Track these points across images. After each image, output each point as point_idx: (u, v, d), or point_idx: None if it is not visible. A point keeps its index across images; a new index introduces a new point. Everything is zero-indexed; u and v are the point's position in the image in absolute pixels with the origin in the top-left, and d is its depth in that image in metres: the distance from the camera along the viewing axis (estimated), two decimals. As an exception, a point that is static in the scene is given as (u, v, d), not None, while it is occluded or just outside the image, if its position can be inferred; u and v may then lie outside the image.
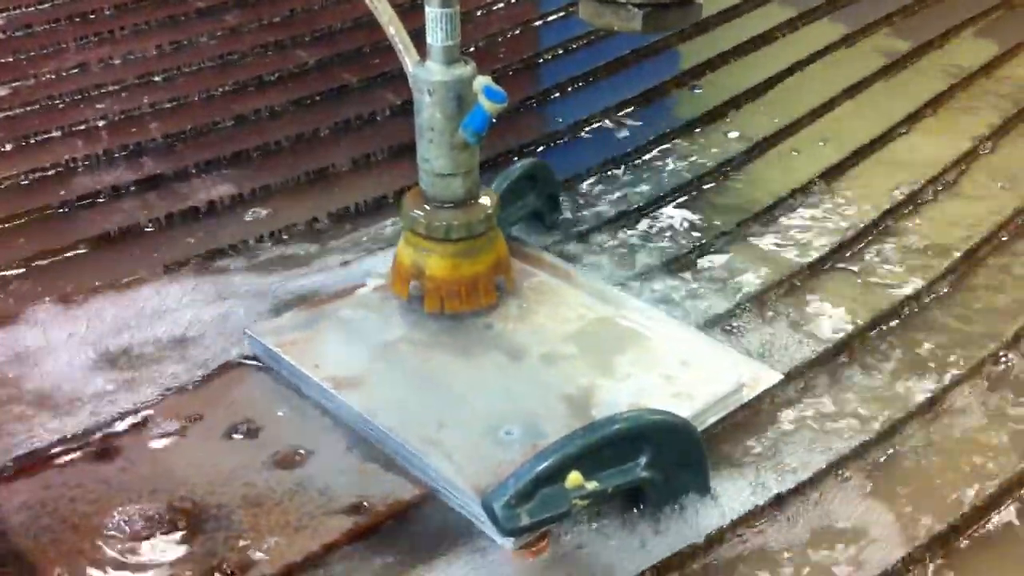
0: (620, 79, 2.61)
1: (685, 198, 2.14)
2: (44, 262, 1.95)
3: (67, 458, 1.51)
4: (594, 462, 1.34)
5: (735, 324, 1.77)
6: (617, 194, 2.14)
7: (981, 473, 1.47)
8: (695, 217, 2.07)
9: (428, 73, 1.61)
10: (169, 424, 1.56)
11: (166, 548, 1.36)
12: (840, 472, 1.47)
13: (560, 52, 2.75)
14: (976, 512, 1.41)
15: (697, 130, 2.39)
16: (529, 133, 2.38)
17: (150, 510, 1.41)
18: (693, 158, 2.28)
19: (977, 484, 1.45)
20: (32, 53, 2.72)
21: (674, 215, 2.08)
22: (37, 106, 2.47)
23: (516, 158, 2.23)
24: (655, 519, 1.39)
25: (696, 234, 2.01)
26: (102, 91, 2.53)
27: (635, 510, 1.40)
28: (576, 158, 2.28)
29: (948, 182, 2.17)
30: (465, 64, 1.62)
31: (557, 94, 2.57)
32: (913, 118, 2.40)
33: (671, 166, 2.25)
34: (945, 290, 1.85)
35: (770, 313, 1.80)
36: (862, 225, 2.01)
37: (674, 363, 1.61)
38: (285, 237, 2.02)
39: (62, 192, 2.15)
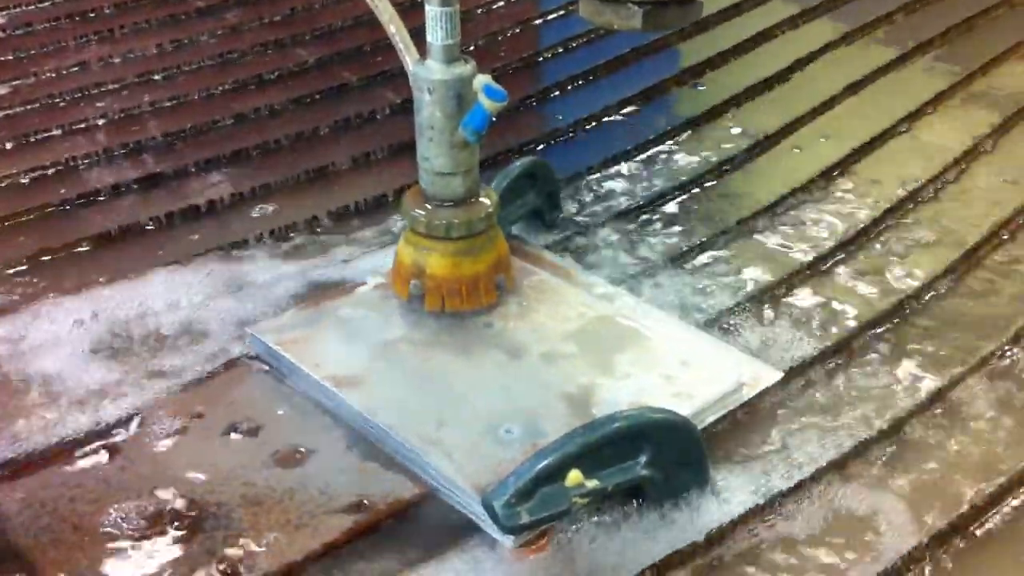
0: (620, 77, 2.61)
1: (686, 195, 2.14)
2: (44, 260, 1.95)
3: (67, 456, 1.51)
4: (594, 460, 1.34)
5: (735, 322, 1.76)
6: (617, 192, 2.14)
7: (987, 468, 1.47)
8: (696, 215, 2.07)
9: (428, 72, 1.61)
10: (169, 422, 1.56)
11: (166, 547, 1.36)
12: (842, 470, 1.47)
13: (560, 50, 2.75)
14: (983, 506, 1.41)
15: (698, 127, 2.39)
16: (529, 132, 2.38)
17: (150, 509, 1.41)
18: (694, 155, 2.27)
19: (983, 479, 1.45)
20: (32, 51, 2.72)
21: (674, 213, 2.08)
22: (37, 104, 2.47)
23: (516, 157, 2.22)
24: (655, 518, 1.39)
25: (697, 232, 2.01)
26: (102, 89, 2.53)
27: (635, 508, 1.40)
28: (576, 156, 2.28)
29: (949, 180, 2.17)
30: (465, 63, 1.62)
31: (557, 92, 2.56)
32: (914, 116, 2.40)
33: (671, 164, 2.25)
34: (947, 287, 1.85)
35: (771, 311, 1.79)
36: (863, 223, 2.01)
37: (674, 362, 1.61)
38: (285, 235, 2.02)
39: (62, 191, 2.15)
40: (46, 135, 2.35)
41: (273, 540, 1.36)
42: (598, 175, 2.21)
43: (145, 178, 2.20)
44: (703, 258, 1.94)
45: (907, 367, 1.66)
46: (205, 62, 2.67)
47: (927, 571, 1.34)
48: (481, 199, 1.70)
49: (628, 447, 1.37)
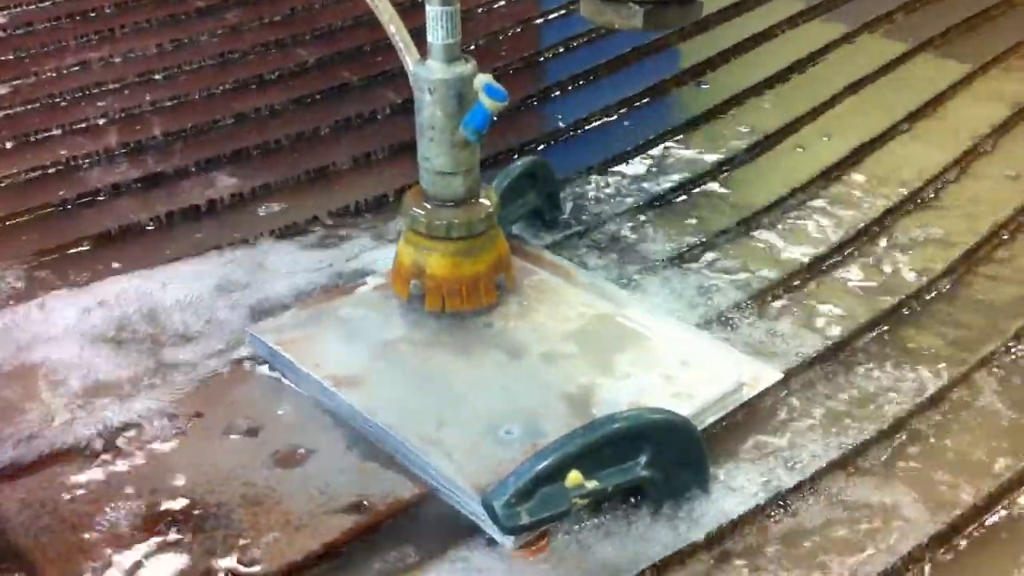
0: (621, 77, 2.61)
1: (686, 195, 2.14)
2: (45, 259, 1.95)
3: (67, 456, 1.51)
4: (594, 461, 1.34)
5: (736, 321, 1.76)
6: (617, 192, 2.14)
7: (987, 468, 1.47)
8: (696, 214, 2.07)
9: (429, 71, 1.61)
10: (169, 422, 1.56)
11: (166, 547, 1.36)
12: (842, 469, 1.47)
13: (561, 50, 2.75)
14: (983, 506, 1.41)
15: (699, 127, 2.39)
16: (530, 131, 2.38)
17: (150, 509, 1.41)
18: (695, 155, 2.27)
19: (984, 479, 1.45)
20: (33, 51, 2.72)
21: (675, 212, 2.08)
22: (38, 104, 2.47)
23: (517, 156, 2.23)
24: (655, 518, 1.39)
25: (698, 231, 2.01)
26: (103, 89, 2.53)
27: (635, 509, 1.40)
28: (577, 156, 2.28)
29: (949, 180, 2.17)
30: (466, 62, 1.62)
31: (558, 92, 2.56)
32: (914, 116, 2.40)
33: (672, 163, 2.24)
34: (948, 286, 1.85)
35: (771, 310, 1.79)
36: (864, 222, 2.01)
37: (674, 362, 1.61)
38: (285, 235, 2.02)
39: (62, 191, 2.15)
40: (46, 135, 2.35)
41: (273, 540, 1.36)
42: (598, 175, 2.21)
43: (145, 178, 2.20)
44: (704, 258, 1.94)
45: (907, 367, 1.66)
46: (206, 62, 2.67)
47: (927, 571, 1.34)
48: (481, 199, 1.70)
49: (628, 447, 1.37)
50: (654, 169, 2.23)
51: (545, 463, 1.32)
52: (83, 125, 2.38)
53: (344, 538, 1.37)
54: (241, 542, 1.36)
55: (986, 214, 2.04)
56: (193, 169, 2.23)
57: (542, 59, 2.74)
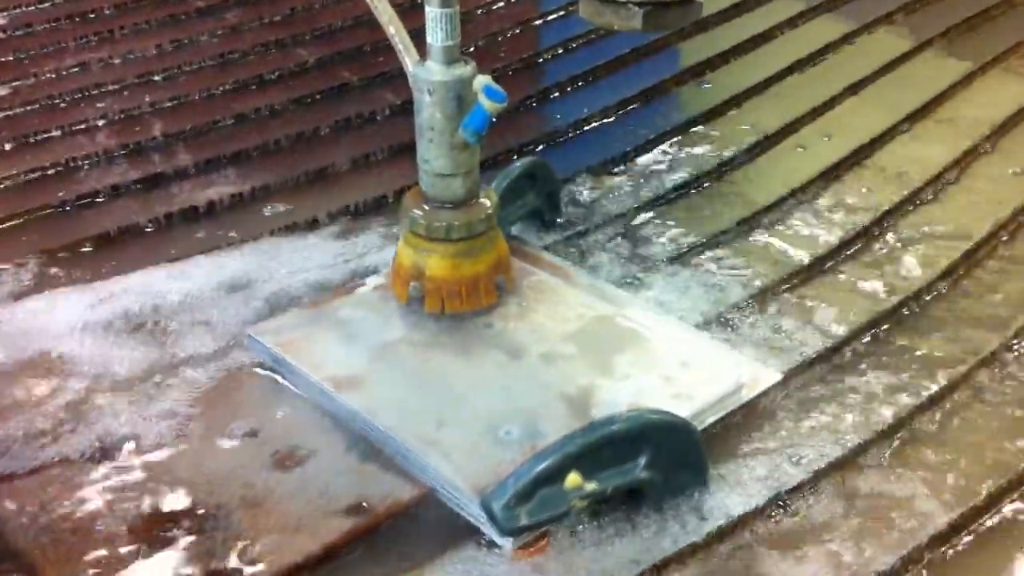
0: (620, 78, 2.61)
1: (686, 195, 2.14)
2: (44, 260, 1.95)
3: (67, 458, 1.51)
4: (593, 462, 1.34)
5: (736, 321, 1.76)
6: (616, 193, 2.14)
7: (987, 468, 1.47)
8: (696, 215, 2.07)
9: (428, 73, 1.60)
10: (169, 423, 1.56)
11: (165, 548, 1.36)
12: (842, 470, 1.47)
13: (560, 51, 2.75)
14: (984, 506, 1.41)
15: (699, 127, 2.39)
16: (529, 132, 2.38)
17: (149, 510, 1.41)
18: (695, 155, 2.27)
19: (984, 479, 1.44)
20: (32, 52, 2.72)
21: (675, 213, 2.08)
22: (37, 105, 2.47)
23: (516, 157, 2.22)
24: (655, 519, 1.39)
25: (697, 231, 2.01)
26: (102, 90, 2.53)
27: (635, 510, 1.40)
28: (576, 157, 2.28)
29: (949, 180, 2.17)
30: (465, 64, 1.62)
31: (557, 93, 2.56)
32: (915, 116, 2.40)
33: (672, 163, 2.24)
34: (947, 287, 1.85)
35: (771, 311, 1.79)
36: (864, 222, 2.01)
37: (674, 363, 1.61)
38: (284, 235, 2.02)
39: (62, 191, 2.15)
40: (46, 136, 2.35)
41: (272, 542, 1.36)
42: (598, 176, 2.21)
43: (145, 178, 2.20)
44: (704, 258, 1.94)
45: (907, 366, 1.66)
46: (205, 62, 2.67)
47: (926, 571, 1.34)
48: (481, 200, 1.70)
49: (627, 449, 1.37)
50: (654, 169, 2.23)
51: (544, 464, 1.32)
52: (83, 126, 2.38)
53: (343, 540, 1.37)
54: (240, 543, 1.36)
55: (986, 214, 2.03)
56: (193, 170, 2.23)
57: (541, 60, 2.74)
